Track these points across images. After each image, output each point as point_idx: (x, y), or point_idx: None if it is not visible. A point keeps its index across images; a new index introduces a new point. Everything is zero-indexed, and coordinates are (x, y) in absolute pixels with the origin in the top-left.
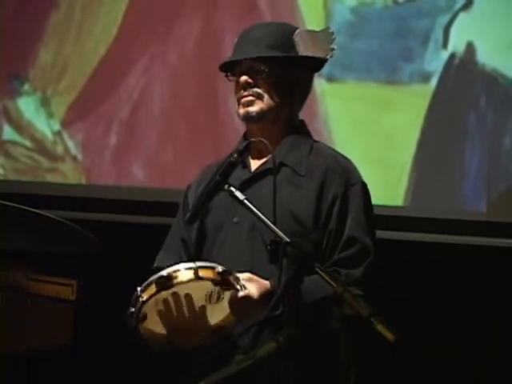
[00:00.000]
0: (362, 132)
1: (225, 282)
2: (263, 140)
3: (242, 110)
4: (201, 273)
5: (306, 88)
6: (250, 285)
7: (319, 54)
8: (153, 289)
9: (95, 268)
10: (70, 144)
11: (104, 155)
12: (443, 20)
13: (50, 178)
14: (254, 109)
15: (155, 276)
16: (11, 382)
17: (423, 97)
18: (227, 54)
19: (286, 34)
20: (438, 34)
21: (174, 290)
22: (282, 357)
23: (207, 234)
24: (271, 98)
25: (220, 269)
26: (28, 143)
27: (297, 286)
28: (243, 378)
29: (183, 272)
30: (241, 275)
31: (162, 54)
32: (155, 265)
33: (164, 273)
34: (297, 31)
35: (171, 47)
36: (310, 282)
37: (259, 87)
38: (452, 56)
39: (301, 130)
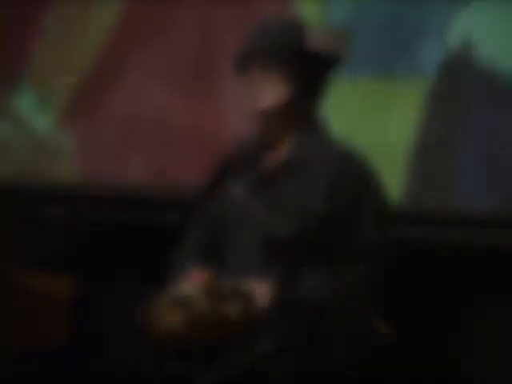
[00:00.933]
0: (358, 128)
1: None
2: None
3: (253, 105)
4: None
5: (318, 83)
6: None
7: (332, 52)
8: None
9: (95, 266)
10: (68, 141)
11: (102, 152)
12: (442, 15)
13: (48, 175)
14: (264, 103)
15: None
16: (10, 382)
17: (421, 93)
18: (226, 50)
19: (296, 29)
20: (437, 29)
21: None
22: (281, 355)
23: (221, 231)
24: (282, 91)
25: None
26: (25, 140)
27: (294, 285)
28: (241, 376)
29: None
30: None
31: (161, 49)
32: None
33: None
34: (310, 27)
35: (171, 43)
36: (309, 281)
37: (269, 81)
38: (450, 51)
39: (314, 124)
